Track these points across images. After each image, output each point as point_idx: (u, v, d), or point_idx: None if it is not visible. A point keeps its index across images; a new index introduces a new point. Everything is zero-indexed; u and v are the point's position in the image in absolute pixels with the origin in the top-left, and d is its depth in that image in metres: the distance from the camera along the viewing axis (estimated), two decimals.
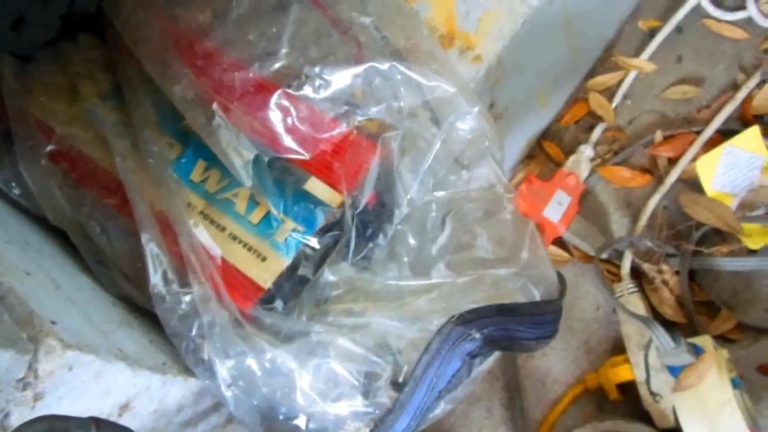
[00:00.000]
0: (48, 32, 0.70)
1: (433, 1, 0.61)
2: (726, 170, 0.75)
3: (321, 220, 0.50)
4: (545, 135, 0.87)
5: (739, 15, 0.81)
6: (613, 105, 0.84)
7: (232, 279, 0.50)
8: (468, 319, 0.46)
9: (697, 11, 0.82)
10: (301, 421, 0.47)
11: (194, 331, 0.47)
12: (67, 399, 0.40)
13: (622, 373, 0.72)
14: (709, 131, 0.78)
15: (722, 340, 0.72)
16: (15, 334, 0.38)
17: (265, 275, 0.50)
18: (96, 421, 0.35)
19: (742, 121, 0.78)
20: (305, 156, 0.50)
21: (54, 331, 0.39)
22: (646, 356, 0.70)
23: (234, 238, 0.51)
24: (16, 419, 0.37)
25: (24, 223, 0.55)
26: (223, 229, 0.51)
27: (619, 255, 0.77)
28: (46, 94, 0.59)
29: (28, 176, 0.55)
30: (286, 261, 0.50)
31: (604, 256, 0.78)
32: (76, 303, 0.46)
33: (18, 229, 0.53)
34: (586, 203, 0.82)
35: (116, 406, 0.44)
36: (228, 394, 0.47)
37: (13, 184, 0.56)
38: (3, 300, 0.39)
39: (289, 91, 0.49)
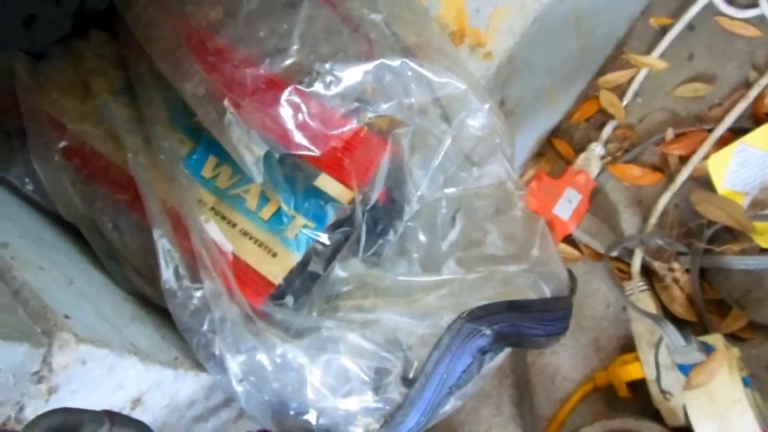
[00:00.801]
0: (60, 30, 0.71)
1: None
2: (737, 168, 0.74)
3: (331, 217, 0.50)
4: (555, 132, 0.87)
5: (752, 12, 0.80)
6: (624, 103, 0.83)
7: (243, 275, 0.50)
8: (478, 315, 0.46)
9: (710, 9, 0.82)
10: (311, 416, 0.47)
11: (205, 327, 0.47)
12: (81, 393, 0.40)
13: (632, 371, 0.72)
14: (720, 129, 0.77)
15: (733, 338, 0.72)
16: (29, 328, 0.38)
17: (275, 271, 0.50)
18: (110, 414, 0.35)
19: (754, 119, 0.78)
20: (316, 152, 0.50)
21: (68, 326, 0.39)
22: (656, 354, 0.70)
23: (245, 234, 0.51)
24: (31, 412, 0.37)
25: (37, 218, 0.55)
26: (234, 225, 0.52)
27: (630, 253, 0.77)
28: (59, 91, 0.59)
29: (41, 172, 0.55)
30: (297, 257, 0.50)
31: (614, 254, 0.78)
32: (88, 298, 0.47)
33: (31, 225, 0.53)
34: (596, 201, 0.82)
35: (128, 400, 0.44)
36: (239, 389, 0.47)
37: (27, 180, 0.57)
38: (17, 294, 0.40)
39: (300, 87, 0.50)
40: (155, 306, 0.53)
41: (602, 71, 0.86)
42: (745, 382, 0.64)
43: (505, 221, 0.53)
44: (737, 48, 0.81)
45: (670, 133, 0.80)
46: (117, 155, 0.55)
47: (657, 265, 0.75)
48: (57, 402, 0.39)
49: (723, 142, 0.77)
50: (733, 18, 0.81)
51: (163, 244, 0.49)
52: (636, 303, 0.72)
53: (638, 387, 0.72)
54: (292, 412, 0.47)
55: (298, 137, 0.50)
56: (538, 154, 0.86)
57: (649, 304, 0.73)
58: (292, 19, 0.52)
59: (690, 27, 0.83)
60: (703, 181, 0.77)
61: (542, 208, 0.79)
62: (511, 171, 0.54)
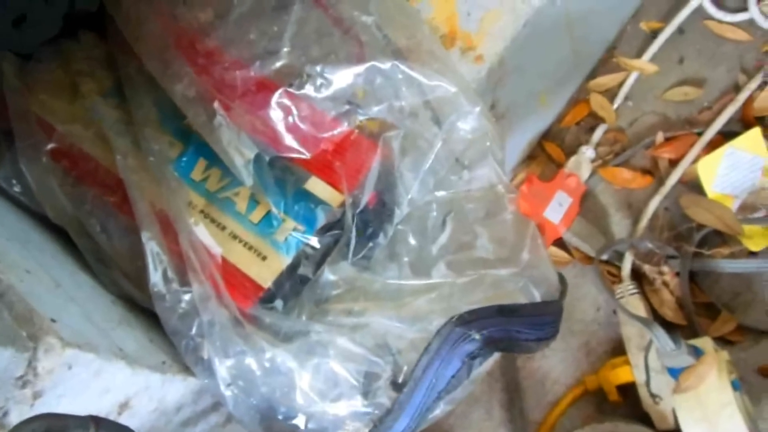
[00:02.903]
0: (49, 30, 0.70)
1: (434, 0, 0.61)
2: (727, 172, 0.75)
3: (321, 220, 0.50)
4: (546, 136, 0.87)
5: (741, 16, 0.81)
6: (615, 106, 0.84)
7: (232, 278, 0.50)
8: (468, 319, 0.46)
9: (699, 12, 0.82)
10: (300, 421, 0.47)
11: (194, 330, 0.47)
12: (67, 397, 0.40)
13: (622, 375, 0.72)
14: (710, 133, 0.78)
15: (722, 342, 0.72)
16: (15, 331, 0.37)
17: (265, 274, 0.50)
18: (95, 419, 0.35)
19: (743, 122, 0.78)
20: (306, 155, 0.50)
21: (54, 329, 0.39)
22: (646, 358, 0.70)
23: (234, 237, 0.51)
24: (15, 417, 0.37)
25: (24, 220, 0.55)
26: (223, 228, 0.51)
27: (620, 256, 0.77)
28: (47, 92, 0.59)
29: (28, 174, 0.55)
30: (287, 260, 0.50)
31: (604, 257, 0.78)
32: (76, 301, 0.46)
33: (18, 227, 0.53)
34: (586, 204, 0.82)
35: (115, 404, 0.44)
36: (227, 393, 0.47)
37: (14, 181, 0.56)
38: (3, 297, 0.39)
39: (291, 90, 0.49)
40: (143, 309, 0.53)
41: (593, 75, 0.86)
42: (734, 386, 0.64)
43: (496, 224, 0.53)
44: (727, 51, 0.81)
45: (660, 137, 0.80)
46: (106, 157, 0.55)
47: (647, 268, 0.75)
48: (42, 407, 0.38)
49: (713, 145, 0.77)
50: (722, 22, 0.81)
51: (151, 246, 0.49)
52: (626, 306, 0.72)
53: (628, 390, 0.72)
54: (280, 417, 0.47)
55: (289, 140, 0.50)
56: (529, 158, 0.87)
57: (639, 308, 0.73)
58: (283, 22, 0.52)
59: (680, 31, 0.83)
60: (693, 185, 0.77)
61: (533, 211, 0.79)
62: (501, 174, 0.54)
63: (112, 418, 0.44)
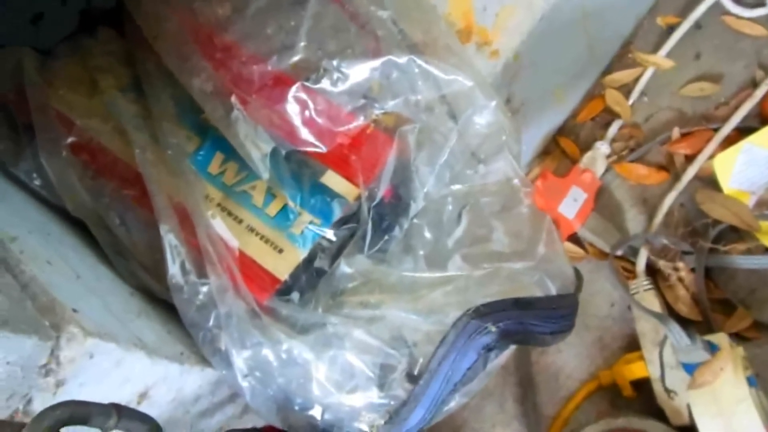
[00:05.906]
0: (67, 27, 0.71)
1: None
2: (743, 168, 0.74)
3: (338, 213, 0.51)
4: (561, 131, 0.86)
5: (759, 12, 0.80)
6: (630, 102, 0.83)
7: (249, 270, 0.50)
8: (484, 312, 0.46)
9: (717, 8, 0.82)
10: (316, 412, 0.47)
11: (211, 322, 0.48)
12: (88, 386, 0.40)
13: (636, 370, 0.72)
14: (727, 128, 0.77)
15: (738, 338, 0.72)
16: (38, 321, 0.38)
17: (281, 267, 0.50)
18: (117, 407, 0.35)
19: (760, 118, 0.77)
20: (322, 149, 0.50)
21: (76, 319, 0.39)
22: (660, 353, 0.70)
23: (251, 230, 0.51)
24: (39, 405, 0.38)
25: (45, 213, 0.56)
26: (240, 221, 0.52)
27: (635, 252, 0.77)
28: (66, 87, 0.60)
29: (48, 168, 0.56)
30: (303, 253, 0.50)
31: (619, 252, 0.78)
32: (95, 292, 0.47)
33: (39, 220, 0.53)
34: (601, 200, 0.82)
35: (135, 394, 0.45)
36: (244, 384, 0.47)
37: (35, 175, 0.57)
38: (26, 288, 0.40)
39: (307, 84, 0.50)
40: (162, 301, 0.53)
41: (608, 70, 0.85)
42: (750, 382, 0.64)
43: (511, 218, 0.53)
44: (744, 47, 0.81)
45: (676, 132, 0.80)
46: (124, 151, 0.56)
47: (662, 264, 0.75)
48: (64, 395, 0.39)
49: (729, 141, 0.76)
50: (740, 17, 0.81)
51: (169, 239, 0.49)
52: (641, 302, 0.72)
53: (642, 386, 0.72)
54: (297, 408, 0.47)
55: (305, 134, 0.50)
56: (544, 153, 0.86)
57: (654, 303, 0.73)
58: (300, 16, 0.52)
59: (697, 26, 0.83)
60: (709, 181, 0.77)
61: (547, 206, 0.78)
62: (517, 168, 0.54)
63: (131, 407, 0.44)
